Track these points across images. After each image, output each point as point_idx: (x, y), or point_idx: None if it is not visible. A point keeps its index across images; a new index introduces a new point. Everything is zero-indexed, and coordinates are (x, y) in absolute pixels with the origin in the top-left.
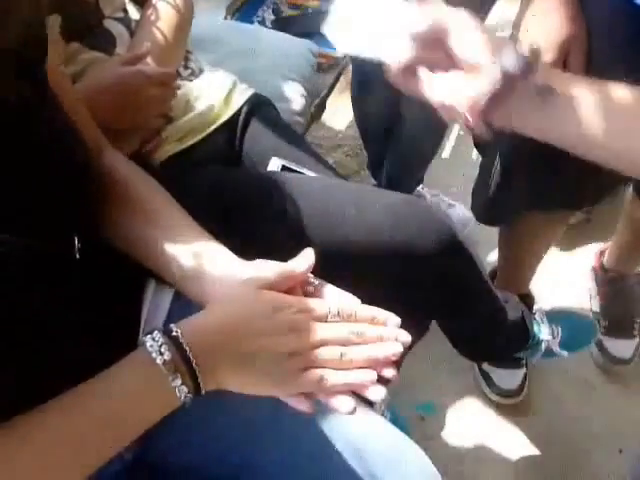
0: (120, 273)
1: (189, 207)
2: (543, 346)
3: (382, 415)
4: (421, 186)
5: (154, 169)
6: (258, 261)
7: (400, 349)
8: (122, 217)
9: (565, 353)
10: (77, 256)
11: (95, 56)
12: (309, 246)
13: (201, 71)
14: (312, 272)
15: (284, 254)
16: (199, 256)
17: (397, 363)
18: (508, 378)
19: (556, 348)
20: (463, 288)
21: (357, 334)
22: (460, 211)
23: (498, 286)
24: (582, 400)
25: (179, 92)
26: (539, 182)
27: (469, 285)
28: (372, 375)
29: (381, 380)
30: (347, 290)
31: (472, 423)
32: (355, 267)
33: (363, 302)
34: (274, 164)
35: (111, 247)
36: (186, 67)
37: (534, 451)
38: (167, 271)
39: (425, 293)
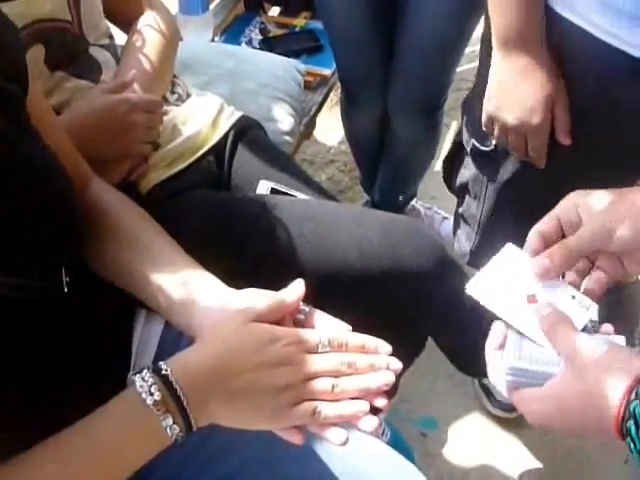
0: (110, 303)
1: (177, 233)
2: None
3: (382, 433)
4: (415, 200)
5: (141, 197)
6: (248, 290)
7: (392, 379)
8: (110, 249)
9: None
10: (65, 289)
11: (81, 84)
12: (299, 270)
13: (188, 95)
14: (303, 299)
15: (274, 278)
16: (188, 287)
17: (392, 388)
18: None
19: None
20: (457, 304)
21: (348, 365)
22: None
23: None
24: None
25: (166, 118)
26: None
27: (463, 301)
28: (364, 406)
29: (373, 410)
30: (341, 311)
31: (474, 438)
32: (348, 289)
33: (358, 322)
34: (263, 187)
35: (100, 278)
36: (173, 92)
37: (538, 464)
38: (156, 302)
39: (419, 311)
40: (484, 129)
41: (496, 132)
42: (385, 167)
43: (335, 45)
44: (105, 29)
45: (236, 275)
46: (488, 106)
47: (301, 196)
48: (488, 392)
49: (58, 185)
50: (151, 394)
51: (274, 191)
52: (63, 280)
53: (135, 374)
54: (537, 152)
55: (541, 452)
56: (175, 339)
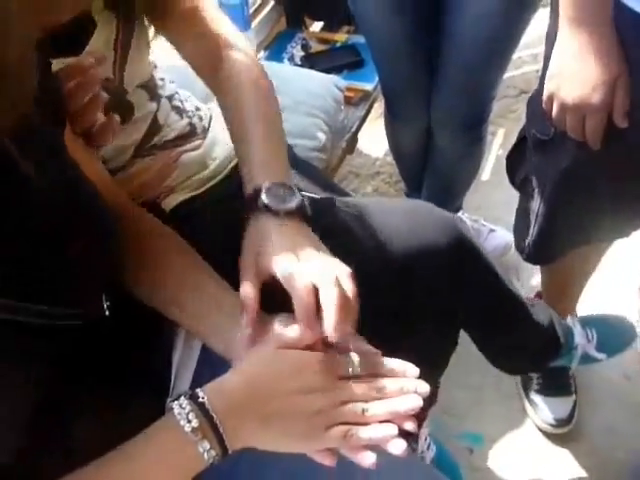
0: (149, 323)
1: (205, 247)
2: (579, 351)
3: (428, 448)
4: (461, 212)
5: (166, 214)
6: (281, 315)
7: (420, 403)
8: (145, 272)
9: (604, 356)
10: (107, 313)
11: None
12: None
13: (211, 120)
14: None
15: None
16: (222, 312)
17: (432, 395)
18: (557, 406)
19: (593, 352)
20: (481, 287)
21: (378, 389)
22: (502, 235)
23: None
24: (636, 425)
25: (195, 153)
26: (588, 220)
27: (487, 283)
28: (393, 430)
29: (402, 433)
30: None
31: (521, 453)
32: (370, 278)
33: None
34: None
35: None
36: (193, 132)
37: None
38: (192, 327)
39: (448, 298)
40: (544, 108)
41: (555, 111)
42: (430, 180)
43: (377, 58)
44: (147, 73)
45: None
46: (549, 84)
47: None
48: (536, 406)
49: (102, 217)
50: (189, 421)
51: None
52: (104, 304)
53: (173, 401)
54: (594, 133)
55: (590, 467)
56: (214, 357)
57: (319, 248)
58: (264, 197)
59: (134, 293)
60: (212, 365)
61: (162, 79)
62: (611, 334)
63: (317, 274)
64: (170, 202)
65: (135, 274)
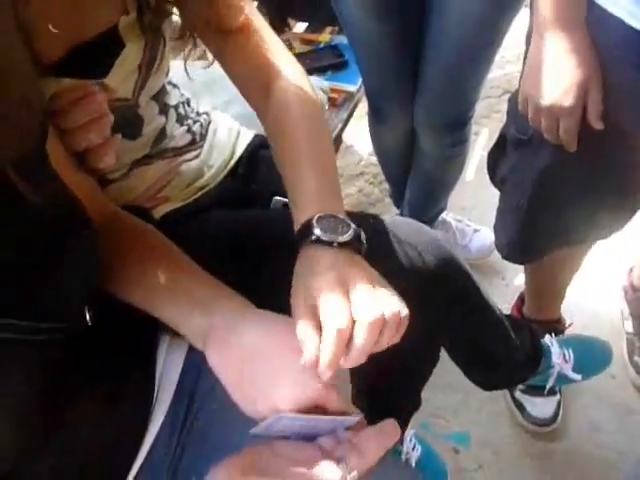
0: (133, 329)
1: (194, 255)
2: (555, 370)
3: (413, 448)
4: (445, 212)
5: (155, 222)
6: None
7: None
8: (124, 274)
9: (579, 377)
10: (89, 323)
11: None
12: None
13: (208, 126)
14: None
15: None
16: (203, 309)
17: (416, 400)
18: (542, 406)
19: (569, 372)
20: (464, 305)
21: None
22: (486, 235)
23: (527, 312)
24: (621, 424)
25: (194, 162)
26: (567, 221)
27: (469, 302)
28: None
29: None
30: None
31: (507, 453)
32: None
33: None
34: (276, 204)
35: (121, 306)
36: (193, 143)
37: (572, 479)
38: (176, 326)
39: (435, 317)
40: (520, 109)
41: (530, 113)
42: (413, 182)
43: (360, 60)
44: (163, 81)
45: (253, 293)
46: (524, 86)
47: None
48: (521, 407)
49: (84, 227)
50: None
51: (287, 205)
52: (86, 315)
53: None
54: (568, 135)
55: (575, 466)
56: (198, 365)
57: (374, 282)
58: (316, 229)
59: (114, 292)
60: (196, 371)
61: (170, 83)
62: (588, 355)
63: (362, 311)
64: (161, 210)
65: (115, 273)
